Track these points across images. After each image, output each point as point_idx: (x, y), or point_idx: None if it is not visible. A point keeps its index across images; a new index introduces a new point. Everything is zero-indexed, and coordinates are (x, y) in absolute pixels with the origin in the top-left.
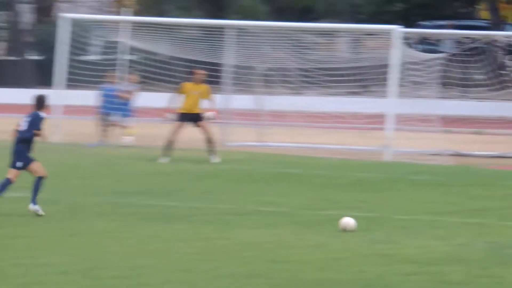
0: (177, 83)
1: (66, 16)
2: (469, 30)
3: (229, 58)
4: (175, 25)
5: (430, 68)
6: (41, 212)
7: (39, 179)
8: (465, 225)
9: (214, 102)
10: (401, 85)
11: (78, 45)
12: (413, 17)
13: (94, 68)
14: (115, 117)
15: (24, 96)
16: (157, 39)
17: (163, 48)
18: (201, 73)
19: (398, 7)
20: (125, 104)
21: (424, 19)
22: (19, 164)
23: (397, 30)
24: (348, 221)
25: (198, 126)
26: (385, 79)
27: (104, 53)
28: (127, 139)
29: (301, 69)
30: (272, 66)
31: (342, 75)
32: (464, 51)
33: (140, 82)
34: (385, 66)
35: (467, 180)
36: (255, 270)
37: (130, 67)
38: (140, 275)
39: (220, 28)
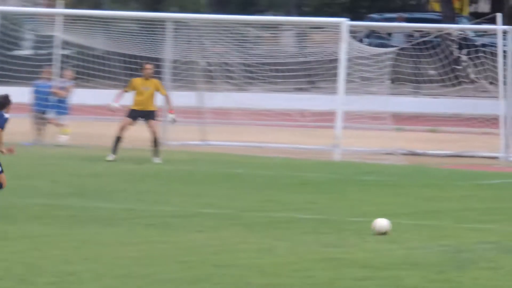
0: (114, 79)
1: None
2: (421, 23)
3: (168, 52)
4: (111, 18)
5: (380, 63)
6: None
7: None
8: (419, 227)
9: (170, 99)
10: (350, 81)
11: (9, 39)
12: (361, 10)
13: (27, 63)
14: (50, 115)
15: None
16: (93, 33)
17: (99, 43)
18: (149, 67)
19: None
20: (60, 101)
21: (372, 12)
22: None
23: (344, 23)
24: (382, 223)
25: (148, 124)
26: (333, 75)
27: (37, 48)
28: (63, 138)
29: (244, 64)
30: (214, 61)
31: (288, 71)
32: (416, 45)
33: (75, 78)
34: (333, 61)
35: (421, 180)
36: (198, 275)
37: (64, 62)
38: (77, 281)
39: (158, 21)
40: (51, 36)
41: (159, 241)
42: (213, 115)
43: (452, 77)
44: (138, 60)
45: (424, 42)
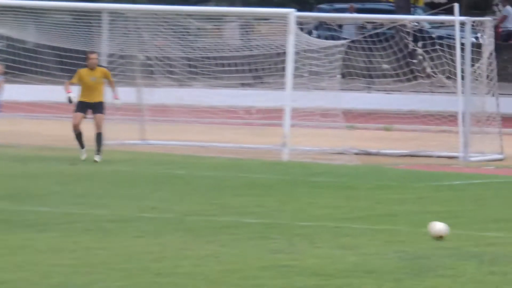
0: (46, 74)
1: None
2: (373, 14)
3: (104, 46)
4: (42, 9)
5: (331, 56)
6: None
7: None
8: (373, 232)
9: (114, 85)
10: (298, 76)
11: None
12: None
13: None
14: None
15: None
16: (23, 24)
17: (30, 35)
18: (94, 56)
19: None
20: None
21: (322, 2)
22: None
23: (292, 14)
24: (440, 227)
25: (94, 117)
26: (280, 69)
27: None
28: None
29: (186, 59)
30: (154, 55)
31: (232, 65)
32: (368, 37)
33: (5, 73)
34: (280, 54)
35: (374, 181)
36: (138, 283)
37: None
38: None
39: (93, 12)
40: None
41: (96, 247)
42: (153, 112)
43: (407, 72)
44: (73, 54)
45: (377, 34)
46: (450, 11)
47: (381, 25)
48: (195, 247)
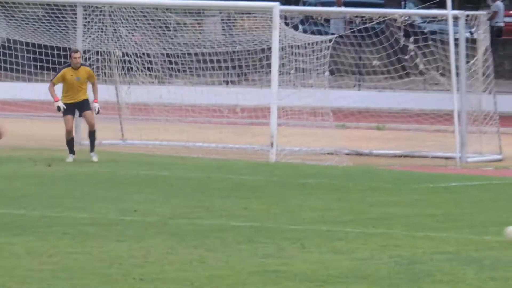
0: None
1: None
2: (362, 8)
3: (79, 41)
4: (14, 3)
5: (318, 52)
6: None
7: None
8: (367, 236)
9: (96, 88)
10: (284, 73)
11: None
12: None
13: None
14: None
15: None
16: None
17: (2, 31)
18: (77, 55)
19: None
20: None
21: None
22: None
23: (277, 7)
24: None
25: (83, 115)
26: (265, 66)
27: None
28: None
29: (166, 55)
30: (132, 51)
31: (215, 62)
32: (357, 32)
33: None
34: (265, 50)
35: (367, 183)
36: None
37: None
38: None
39: (67, 6)
40: None
41: (76, 252)
42: (132, 111)
43: (398, 68)
44: (48, 51)
45: (366, 29)
46: (442, 5)
47: (371, 19)
48: (179, 252)
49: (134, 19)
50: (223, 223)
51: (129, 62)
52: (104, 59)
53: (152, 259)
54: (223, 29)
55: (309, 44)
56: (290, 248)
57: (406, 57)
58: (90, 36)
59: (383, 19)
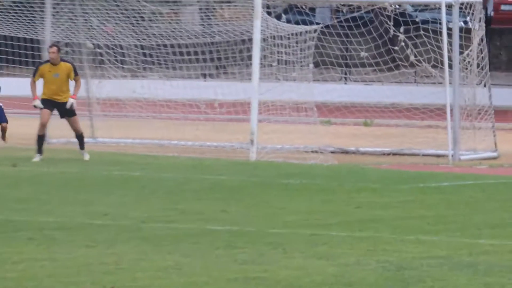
0: None
1: None
2: None
3: (48, 33)
4: None
5: (302, 43)
6: None
7: None
8: (353, 240)
9: (78, 85)
10: (267, 66)
11: None
12: None
13: None
14: None
15: None
16: None
17: None
18: (53, 50)
19: None
20: None
21: None
22: None
23: None
24: None
25: (67, 120)
26: (246, 58)
27: None
28: None
29: (140, 46)
30: (104, 42)
31: (192, 54)
32: (344, 22)
33: None
34: (246, 41)
35: (353, 183)
36: None
37: None
38: None
39: None
40: None
41: (42, 258)
42: (104, 106)
43: (388, 60)
44: (14, 43)
45: (354, 19)
46: None
47: (359, 8)
48: (153, 258)
49: (106, 9)
50: (199, 227)
51: (101, 54)
52: (74, 51)
53: (124, 266)
54: (201, 19)
55: (292, 34)
56: (272, 254)
57: (396, 48)
58: (59, 27)
59: (372, 7)
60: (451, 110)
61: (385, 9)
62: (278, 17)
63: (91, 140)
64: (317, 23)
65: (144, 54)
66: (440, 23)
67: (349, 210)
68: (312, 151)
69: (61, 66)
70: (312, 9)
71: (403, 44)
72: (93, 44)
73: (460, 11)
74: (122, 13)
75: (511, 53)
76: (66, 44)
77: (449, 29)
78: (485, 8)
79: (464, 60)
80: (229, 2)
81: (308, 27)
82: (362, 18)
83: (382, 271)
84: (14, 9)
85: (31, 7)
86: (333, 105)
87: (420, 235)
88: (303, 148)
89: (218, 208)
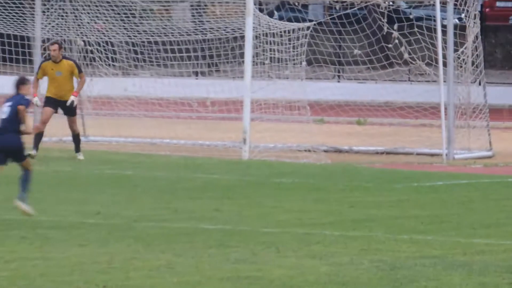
0: None
1: None
2: None
3: (38, 30)
4: None
5: (295, 41)
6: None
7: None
8: (347, 239)
9: (81, 83)
10: (259, 63)
11: None
12: None
13: None
14: None
15: None
16: None
17: None
18: (54, 48)
19: None
20: None
21: None
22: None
23: None
24: None
25: (68, 119)
26: (238, 56)
27: None
28: None
29: (131, 44)
30: (94, 39)
31: (184, 51)
32: (337, 18)
33: None
34: (238, 39)
35: (347, 182)
36: None
37: None
38: None
39: None
40: None
41: (35, 257)
42: (95, 105)
43: (381, 58)
44: (4, 40)
45: (347, 15)
46: None
47: (352, 4)
48: (146, 257)
49: (96, 6)
50: (192, 226)
51: (91, 52)
52: (65, 48)
53: (116, 265)
54: (193, 16)
55: (285, 32)
56: (265, 253)
57: (390, 45)
58: (49, 24)
59: (365, 4)
60: (446, 108)
61: (378, 5)
62: (270, 14)
63: (82, 139)
64: (310, 20)
65: (136, 52)
66: (435, 20)
67: (342, 210)
68: (305, 150)
69: (63, 63)
70: (305, 6)
71: (397, 41)
72: (84, 41)
73: (454, 8)
74: (112, 10)
75: (506, 50)
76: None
77: (443, 26)
78: None
79: (459, 58)
80: None
81: (300, 24)
82: (356, 15)
83: (375, 271)
84: (3, 6)
85: (21, 3)
86: (326, 103)
87: (414, 234)
88: (296, 147)
89: (211, 207)
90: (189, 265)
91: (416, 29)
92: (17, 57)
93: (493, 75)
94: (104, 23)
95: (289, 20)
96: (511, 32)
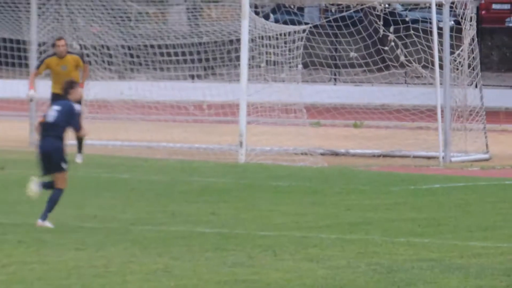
0: None
1: None
2: None
3: (33, 33)
4: None
5: (291, 44)
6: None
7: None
8: (343, 242)
9: (86, 73)
10: (255, 66)
11: None
12: None
13: None
14: None
15: None
16: None
17: None
18: (61, 43)
19: None
20: None
21: None
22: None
23: None
24: None
25: None
26: (234, 59)
27: None
28: None
29: (127, 47)
30: (90, 43)
31: (180, 54)
32: (333, 21)
33: None
34: (234, 42)
35: (343, 185)
36: None
37: None
38: None
39: None
40: None
41: (32, 261)
42: (91, 108)
43: (377, 61)
44: (0, 44)
45: (343, 18)
46: None
47: (348, 7)
48: (143, 261)
49: (92, 9)
50: (189, 229)
51: (87, 55)
52: None
53: (113, 269)
54: (189, 19)
55: (281, 35)
56: (262, 256)
57: (386, 48)
58: (45, 27)
59: (361, 7)
60: (442, 111)
61: (374, 8)
62: (266, 17)
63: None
64: (306, 23)
65: (131, 55)
66: (431, 23)
67: (339, 213)
68: (301, 153)
69: (68, 58)
70: (301, 9)
71: (393, 44)
72: (80, 44)
73: (450, 10)
74: (108, 13)
75: (503, 53)
76: (53, 45)
77: (439, 28)
78: None
79: (455, 61)
80: (216, 1)
81: (296, 27)
82: (351, 18)
83: (372, 274)
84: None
85: (16, 7)
86: (323, 106)
87: (411, 237)
88: (293, 150)
89: (208, 211)
90: (186, 269)
91: (412, 32)
92: (13, 60)
93: (490, 77)
94: (100, 26)
95: (285, 23)
96: (507, 34)
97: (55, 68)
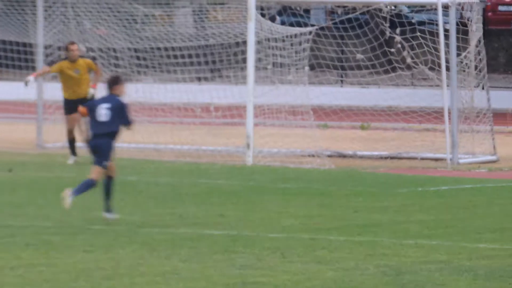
0: None
1: None
2: None
3: (40, 36)
4: None
5: (297, 46)
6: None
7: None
8: (351, 244)
9: (98, 74)
10: (262, 69)
11: None
12: None
13: None
14: None
15: None
16: None
17: None
18: (74, 48)
19: None
20: None
21: None
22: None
23: None
24: None
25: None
26: (241, 61)
27: None
28: None
29: (133, 50)
30: (96, 45)
31: (186, 57)
32: (339, 23)
33: None
34: (240, 44)
35: (351, 187)
36: None
37: None
38: None
39: None
40: None
41: (40, 263)
42: None
43: (384, 62)
44: (7, 46)
45: (349, 20)
46: None
47: (354, 9)
48: (151, 263)
49: (98, 11)
50: (197, 231)
51: (94, 58)
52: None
53: (122, 271)
54: (195, 22)
55: (287, 36)
56: (270, 258)
57: (393, 50)
58: (51, 30)
59: (368, 8)
60: (449, 113)
61: (380, 10)
62: (272, 19)
63: (85, 145)
64: (312, 25)
65: (138, 58)
66: (437, 24)
67: (347, 215)
68: (309, 155)
69: (80, 62)
70: (307, 11)
71: (399, 46)
72: (86, 47)
73: (457, 12)
74: (114, 16)
75: (509, 55)
76: (59, 48)
77: (446, 30)
78: None
79: (462, 62)
80: (222, 3)
81: (303, 29)
82: (358, 20)
83: (381, 276)
84: (5, 13)
85: (23, 10)
86: (330, 108)
87: (420, 239)
88: (300, 152)
89: (216, 213)
90: (194, 271)
91: (418, 34)
92: (20, 63)
93: (496, 79)
94: (106, 29)
95: (291, 25)
96: None
97: (68, 72)
